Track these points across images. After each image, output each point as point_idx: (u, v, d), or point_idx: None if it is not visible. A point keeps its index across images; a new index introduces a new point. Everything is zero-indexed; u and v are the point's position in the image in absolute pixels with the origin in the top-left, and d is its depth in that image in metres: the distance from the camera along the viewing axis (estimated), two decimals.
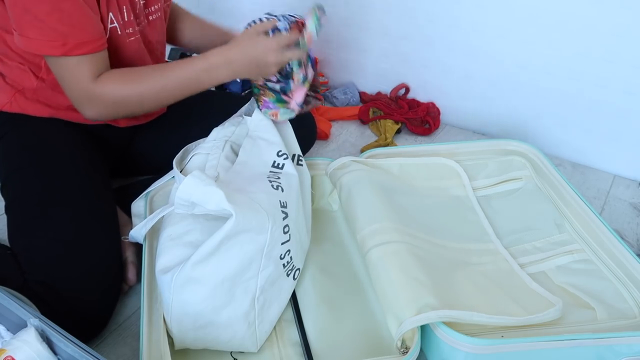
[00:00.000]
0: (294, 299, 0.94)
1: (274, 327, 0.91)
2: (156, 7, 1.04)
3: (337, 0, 1.60)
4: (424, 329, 0.83)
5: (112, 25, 0.93)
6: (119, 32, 0.95)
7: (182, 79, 0.93)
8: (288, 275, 0.90)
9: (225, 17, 1.80)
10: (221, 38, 1.11)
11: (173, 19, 1.19)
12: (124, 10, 0.95)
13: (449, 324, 0.80)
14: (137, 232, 0.93)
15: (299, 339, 0.89)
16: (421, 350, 0.83)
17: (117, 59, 0.96)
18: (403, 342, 0.82)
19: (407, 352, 0.79)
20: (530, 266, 1.01)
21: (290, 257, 0.89)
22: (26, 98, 1.00)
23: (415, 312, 0.80)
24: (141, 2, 0.99)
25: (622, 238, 1.04)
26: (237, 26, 1.05)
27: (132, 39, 0.98)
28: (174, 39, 1.22)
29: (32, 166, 0.97)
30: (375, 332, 0.90)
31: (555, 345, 0.80)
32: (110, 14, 0.92)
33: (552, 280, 0.98)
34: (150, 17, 1.04)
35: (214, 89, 1.62)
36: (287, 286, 0.91)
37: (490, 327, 0.85)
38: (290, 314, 0.93)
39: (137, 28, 0.99)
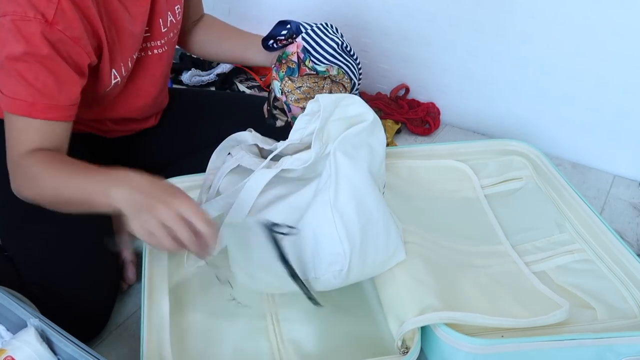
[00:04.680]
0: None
1: (274, 327, 0.91)
2: (163, 41, 0.99)
3: (338, 0, 1.60)
4: (424, 329, 0.83)
5: (115, 81, 0.90)
6: (119, 84, 0.92)
7: (78, 196, 0.80)
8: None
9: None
10: (242, 46, 1.05)
11: (186, 27, 1.10)
12: (129, 60, 0.91)
13: (449, 324, 0.80)
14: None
15: (299, 339, 0.89)
16: (421, 350, 0.83)
17: (96, 100, 0.93)
18: (403, 342, 0.82)
19: (407, 352, 0.79)
20: (531, 266, 1.00)
21: None
22: None
23: (417, 312, 0.80)
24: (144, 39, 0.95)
25: (622, 238, 1.04)
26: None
27: (117, 80, 0.94)
28: (185, 47, 1.13)
29: None
30: (376, 332, 0.90)
31: (555, 345, 0.80)
32: (113, 70, 0.89)
33: (552, 280, 0.98)
34: (156, 51, 0.99)
35: (214, 88, 1.62)
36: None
37: (492, 327, 0.85)
38: (290, 314, 0.92)
39: (130, 67, 0.95)
